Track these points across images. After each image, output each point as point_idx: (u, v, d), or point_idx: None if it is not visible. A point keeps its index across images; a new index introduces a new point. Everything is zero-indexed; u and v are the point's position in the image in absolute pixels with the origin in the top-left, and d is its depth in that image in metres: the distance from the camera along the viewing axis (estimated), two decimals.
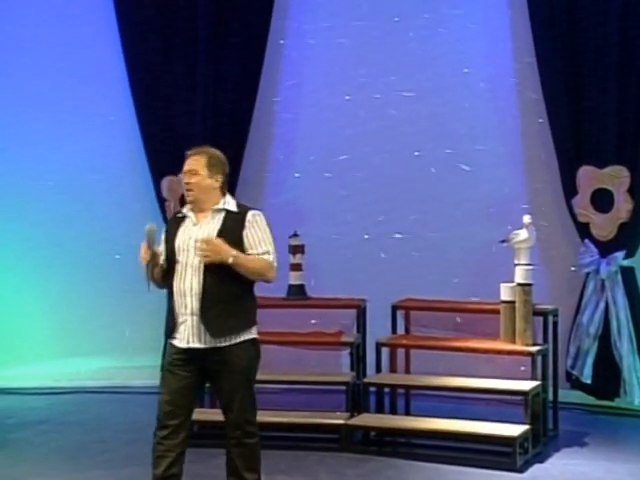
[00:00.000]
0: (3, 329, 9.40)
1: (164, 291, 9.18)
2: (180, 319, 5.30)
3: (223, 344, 5.27)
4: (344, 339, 8.00)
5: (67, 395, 9.11)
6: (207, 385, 5.76)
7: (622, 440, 7.78)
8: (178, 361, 5.30)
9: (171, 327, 5.35)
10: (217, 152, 5.52)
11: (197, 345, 5.27)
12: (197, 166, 5.40)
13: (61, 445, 7.47)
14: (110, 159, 9.45)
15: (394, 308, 8.08)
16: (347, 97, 9.21)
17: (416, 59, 9.02)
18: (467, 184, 8.92)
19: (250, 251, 5.32)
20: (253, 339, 5.38)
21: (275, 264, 5.41)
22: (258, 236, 5.36)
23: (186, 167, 5.44)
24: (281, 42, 9.26)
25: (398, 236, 9.01)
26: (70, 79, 9.40)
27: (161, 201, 9.17)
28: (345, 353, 8.03)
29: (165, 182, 9.20)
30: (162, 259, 5.44)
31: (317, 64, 9.26)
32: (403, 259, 8.96)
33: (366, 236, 9.14)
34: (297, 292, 8.22)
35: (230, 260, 5.21)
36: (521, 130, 8.91)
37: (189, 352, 5.28)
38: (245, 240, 5.33)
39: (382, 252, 9.05)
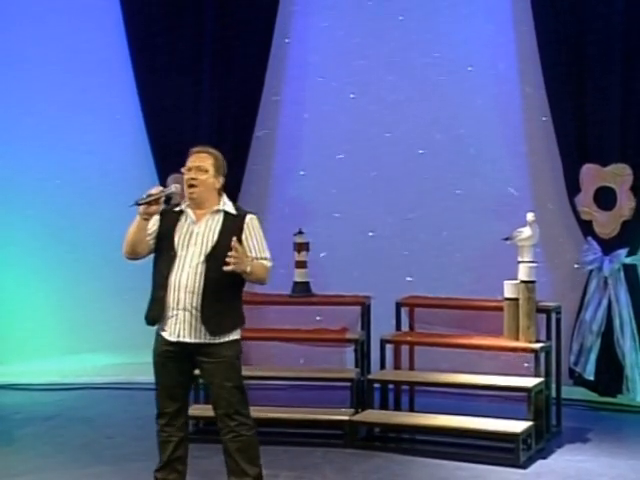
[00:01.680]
0: (11, 326, 9.44)
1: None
2: (170, 312, 5.34)
3: (213, 341, 5.33)
4: (349, 336, 8.03)
5: (74, 391, 9.16)
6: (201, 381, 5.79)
7: (625, 436, 7.80)
8: (168, 353, 5.37)
9: (155, 317, 5.40)
10: (220, 154, 5.57)
11: (187, 340, 5.33)
12: (206, 164, 5.45)
13: (68, 441, 7.52)
14: (116, 157, 9.47)
15: (398, 305, 8.12)
16: (352, 95, 9.25)
17: (420, 57, 9.05)
18: (471, 182, 8.94)
19: (250, 254, 5.37)
20: (238, 339, 5.46)
21: (270, 267, 5.49)
22: (258, 241, 5.44)
23: (194, 163, 5.47)
24: (286, 40, 9.31)
25: (402, 234, 9.03)
26: (76, 77, 9.41)
27: (167, 199, 9.19)
28: (350, 350, 8.06)
29: (171, 179, 9.23)
30: (151, 236, 5.44)
31: (322, 62, 9.28)
32: (407, 256, 8.98)
33: (370, 234, 9.17)
34: (302, 289, 8.25)
35: (248, 269, 5.27)
36: (524, 128, 8.94)
37: (178, 345, 5.35)
38: (245, 243, 5.37)
39: (387, 249, 9.07)
